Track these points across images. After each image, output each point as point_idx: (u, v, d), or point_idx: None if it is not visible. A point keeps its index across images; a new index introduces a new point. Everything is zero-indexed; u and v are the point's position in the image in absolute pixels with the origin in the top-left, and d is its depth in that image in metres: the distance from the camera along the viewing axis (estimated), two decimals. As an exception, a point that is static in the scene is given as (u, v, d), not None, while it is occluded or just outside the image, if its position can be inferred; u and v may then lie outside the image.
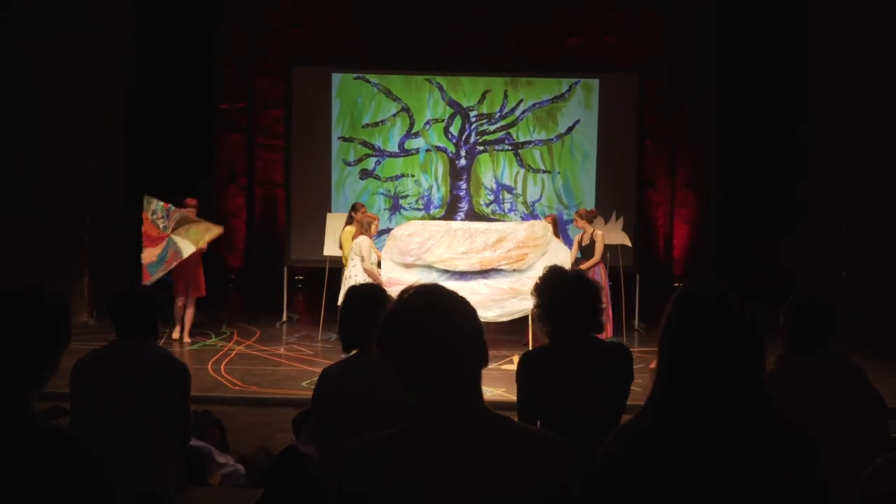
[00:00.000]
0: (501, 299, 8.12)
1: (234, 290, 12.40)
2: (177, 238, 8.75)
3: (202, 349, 8.80)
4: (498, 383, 6.93)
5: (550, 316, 2.84)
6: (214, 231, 9.03)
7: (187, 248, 8.73)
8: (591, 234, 8.73)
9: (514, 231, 8.54)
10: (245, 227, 12.76)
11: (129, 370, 3.31)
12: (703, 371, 1.58)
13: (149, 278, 8.48)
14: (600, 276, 8.56)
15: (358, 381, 2.71)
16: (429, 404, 1.53)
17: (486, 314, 7.86)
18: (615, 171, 12.26)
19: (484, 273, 8.38)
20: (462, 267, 8.30)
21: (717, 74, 12.19)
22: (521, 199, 12.09)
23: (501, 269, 8.40)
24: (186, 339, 9.09)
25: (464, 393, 1.53)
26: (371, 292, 3.00)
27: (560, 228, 11.88)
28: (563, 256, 8.27)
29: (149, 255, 8.68)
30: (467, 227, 8.72)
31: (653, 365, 1.76)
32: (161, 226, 8.75)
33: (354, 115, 12.40)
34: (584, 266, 8.42)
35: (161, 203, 8.87)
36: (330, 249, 10.01)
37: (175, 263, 8.67)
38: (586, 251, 8.74)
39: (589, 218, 8.95)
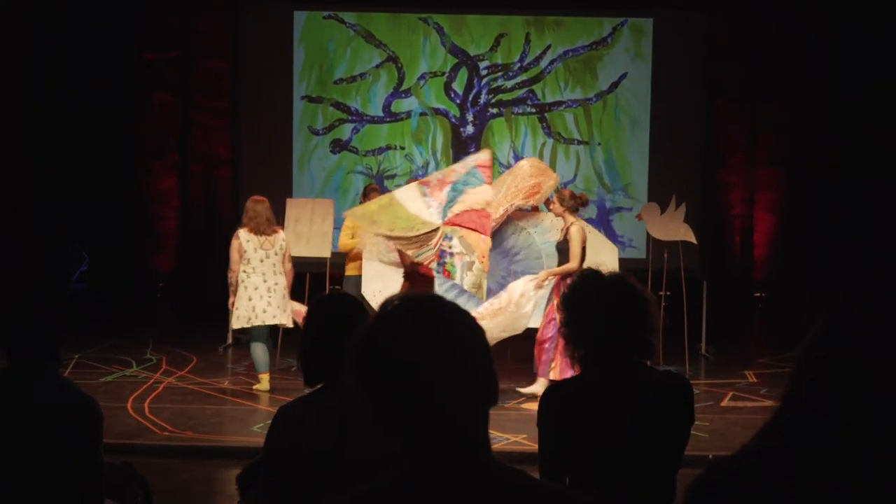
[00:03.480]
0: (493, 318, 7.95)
1: (162, 302, 12.43)
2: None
3: (120, 381, 8.81)
4: (518, 428, 6.94)
5: (582, 336, 2.85)
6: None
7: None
8: (568, 228, 8.10)
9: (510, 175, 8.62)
10: (177, 218, 12.79)
11: (18, 408, 3.33)
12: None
13: None
14: None
15: (324, 424, 2.73)
16: (418, 455, 1.54)
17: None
18: (675, 143, 12.27)
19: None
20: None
21: (812, 10, 12.18)
22: (548, 179, 12.08)
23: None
24: None
25: (466, 439, 1.55)
26: (344, 306, 3.02)
27: (598, 221, 11.90)
28: (607, 256, 8.27)
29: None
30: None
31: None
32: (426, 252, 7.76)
33: (324, 68, 12.43)
34: (552, 273, 8.15)
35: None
36: (291, 248, 10.02)
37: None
38: (560, 251, 8.27)
39: (573, 205, 8.16)
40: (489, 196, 7.84)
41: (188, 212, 12.81)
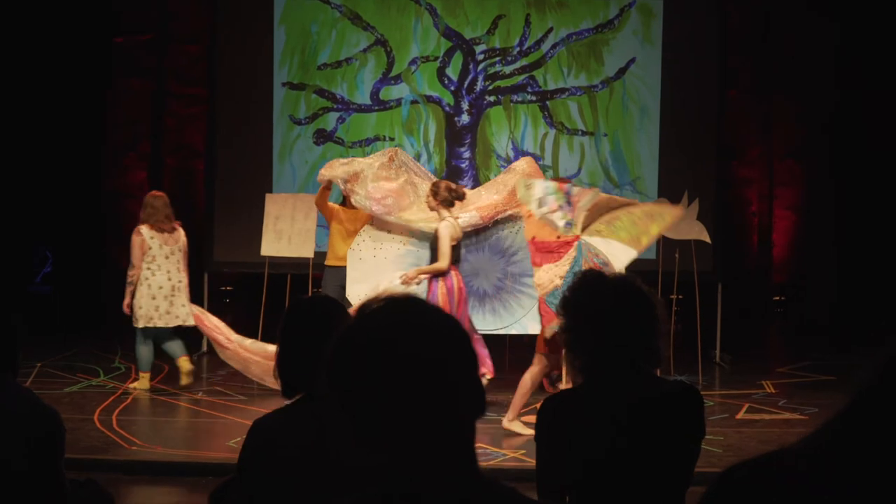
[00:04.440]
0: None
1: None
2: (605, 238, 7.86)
3: (85, 392, 8.81)
4: (515, 442, 6.94)
5: (582, 342, 2.84)
6: (667, 217, 8.13)
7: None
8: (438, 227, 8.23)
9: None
10: (148, 215, 12.78)
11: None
12: None
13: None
14: (454, 294, 8.22)
15: (302, 435, 2.73)
16: (399, 469, 1.54)
17: None
18: (687, 134, 12.27)
19: None
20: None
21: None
22: (549, 172, 12.12)
23: None
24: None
25: (450, 453, 1.54)
26: (324, 309, 3.00)
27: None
28: (624, 258, 8.16)
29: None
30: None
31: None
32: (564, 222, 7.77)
33: (307, 52, 12.41)
34: (422, 271, 8.19)
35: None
36: (271, 247, 10.03)
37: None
38: (432, 249, 8.35)
39: (447, 199, 8.23)
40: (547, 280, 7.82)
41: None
